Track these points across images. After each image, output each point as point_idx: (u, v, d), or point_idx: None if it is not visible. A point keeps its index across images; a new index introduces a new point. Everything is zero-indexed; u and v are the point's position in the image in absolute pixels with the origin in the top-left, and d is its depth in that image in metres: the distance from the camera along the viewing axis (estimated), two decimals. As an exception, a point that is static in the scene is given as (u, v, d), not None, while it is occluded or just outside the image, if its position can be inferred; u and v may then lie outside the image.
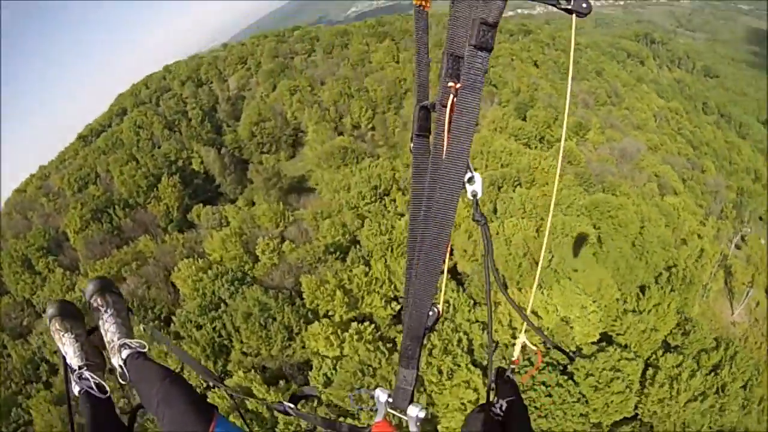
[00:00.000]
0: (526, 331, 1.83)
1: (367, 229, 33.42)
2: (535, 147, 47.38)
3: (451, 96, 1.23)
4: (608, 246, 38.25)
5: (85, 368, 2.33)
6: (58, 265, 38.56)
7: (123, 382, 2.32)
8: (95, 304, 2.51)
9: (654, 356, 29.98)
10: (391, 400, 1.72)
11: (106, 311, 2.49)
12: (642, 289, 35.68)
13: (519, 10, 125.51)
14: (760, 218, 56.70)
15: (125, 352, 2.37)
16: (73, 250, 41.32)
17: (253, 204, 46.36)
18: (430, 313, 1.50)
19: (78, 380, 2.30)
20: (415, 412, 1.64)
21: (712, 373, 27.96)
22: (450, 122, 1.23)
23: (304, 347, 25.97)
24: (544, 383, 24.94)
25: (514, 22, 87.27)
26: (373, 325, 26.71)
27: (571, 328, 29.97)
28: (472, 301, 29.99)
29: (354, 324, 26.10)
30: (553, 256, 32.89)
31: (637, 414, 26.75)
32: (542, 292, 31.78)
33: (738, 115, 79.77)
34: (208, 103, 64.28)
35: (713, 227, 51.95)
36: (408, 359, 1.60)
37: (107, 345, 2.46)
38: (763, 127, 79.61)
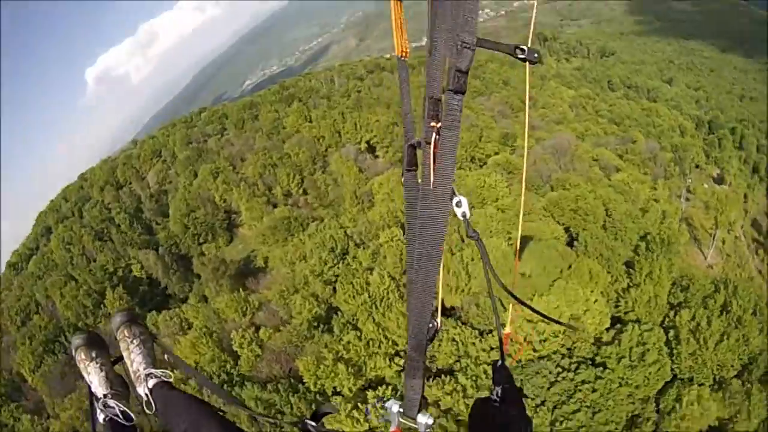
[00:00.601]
0: (511, 322, 2.31)
1: (342, 292, 35.40)
2: (468, 168, 54.41)
3: (434, 134, 1.57)
4: (583, 236, 44.23)
5: (110, 396, 2.65)
6: (23, 412, 38.09)
7: (149, 412, 2.60)
8: (121, 336, 2.87)
9: (667, 319, 34.49)
10: (402, 410, 2.08)
11: (132, 342, 2.84)
12: (628, 264, 41.29)
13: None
14: (697, 166, 67.65)
15: (151, 382, 2.69)
16: (33, 390, 41.14)
17: (206, 299, 47.25)
18: (430, 325, 1.90)
19: (103, 408, 2.60)
20: (423, 419, 2.00)
21: (724, 313, 32.77)
22: (435, 157, 1.58)
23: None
24: (584, 381, 27.86)
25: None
26: (389, 387, 28.05)
27: (583, 323, 33.69)
28: (477, 332, 32.73)
29: (369, 392, 27.36)
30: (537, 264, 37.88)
31: (675, 375, 30.38)
32: (544, 300, 35.91)
33: (643, 82, 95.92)
34: (131, 204, 66.97)
35: (664, 188, 61.43)
36: (414, 370, 1.96)
37: (132, 375, 2.78)
38: (669, 85, 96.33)
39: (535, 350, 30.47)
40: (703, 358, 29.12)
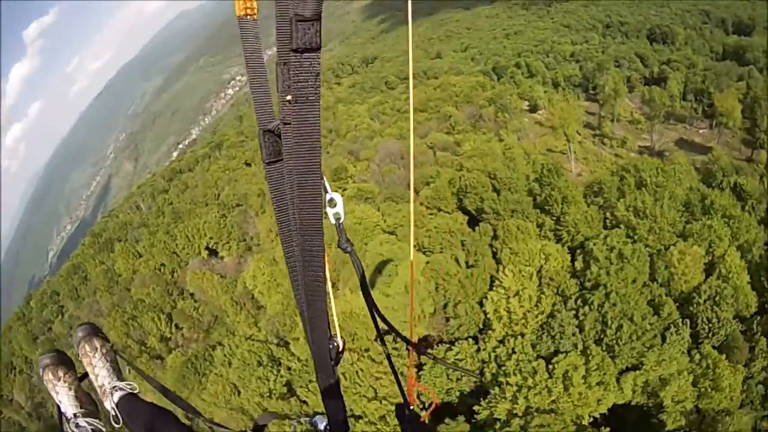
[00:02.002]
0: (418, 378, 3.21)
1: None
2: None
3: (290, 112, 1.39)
4: (488, 205, 48.35)
5: (81, 415, 2.84)
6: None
7: (116, 426, 2.83)
8: (83, 351, 3.04)
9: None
10: (329, 428, 2.15)
11: (94, 356, 3.01)
12: (539, 207, 46.80)
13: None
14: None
15: (117, 395, 2.90)
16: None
17: None
18: (330, 346, 1.90)
19: (75, 428, 2.81)
20: None
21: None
22: (296, 141, 1.40)
23: None
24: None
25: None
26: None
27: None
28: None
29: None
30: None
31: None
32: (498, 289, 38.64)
33: (416, 67, 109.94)
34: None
35: (513, 132, 71.03)
36: (329, 390, 2.01)
37: (98, 389, 2.98)
38: (440, 58, 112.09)
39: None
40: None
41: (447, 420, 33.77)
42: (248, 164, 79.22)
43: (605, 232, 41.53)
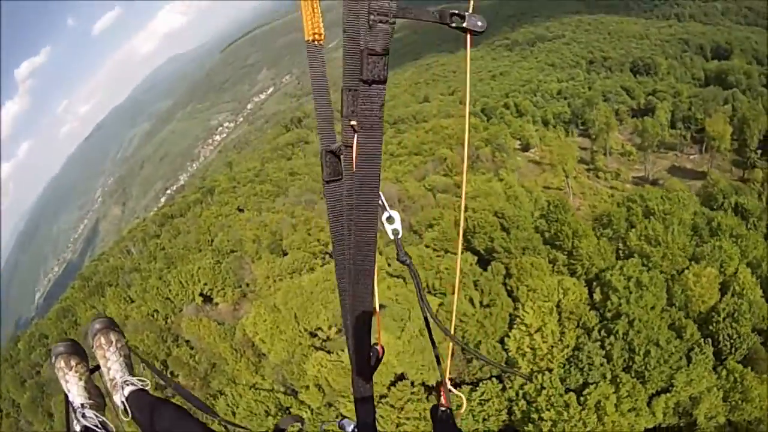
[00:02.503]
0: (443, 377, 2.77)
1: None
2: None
3: (355, 136, 1.60)
4: (498, 243, 51.34)
5: (88, 406, 3.06)
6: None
7: (125, 419, 3.06)
8: (98, 344, 3.27)
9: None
10: (357, 430, 2.40)
11: (108, 349, 3.24)
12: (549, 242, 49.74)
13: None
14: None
15: (128, 389, 3.10)
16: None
17: None
18: (371, 353, 2.16)
19: (81, 418, 3.01)
20: None
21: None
22: (357, 163, 1.60)
23: None
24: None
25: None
26: None
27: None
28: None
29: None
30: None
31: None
32: (520, 327, 41.09)
33: (402, 113, 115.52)
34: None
35: (511, 171, 74.90)
36: (362, 394, 2.25)
37: (109, 383, 3.18)
38: (428, 102, 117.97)
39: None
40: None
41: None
42: (241, 210, 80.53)
43: (620, 262, 44.38)
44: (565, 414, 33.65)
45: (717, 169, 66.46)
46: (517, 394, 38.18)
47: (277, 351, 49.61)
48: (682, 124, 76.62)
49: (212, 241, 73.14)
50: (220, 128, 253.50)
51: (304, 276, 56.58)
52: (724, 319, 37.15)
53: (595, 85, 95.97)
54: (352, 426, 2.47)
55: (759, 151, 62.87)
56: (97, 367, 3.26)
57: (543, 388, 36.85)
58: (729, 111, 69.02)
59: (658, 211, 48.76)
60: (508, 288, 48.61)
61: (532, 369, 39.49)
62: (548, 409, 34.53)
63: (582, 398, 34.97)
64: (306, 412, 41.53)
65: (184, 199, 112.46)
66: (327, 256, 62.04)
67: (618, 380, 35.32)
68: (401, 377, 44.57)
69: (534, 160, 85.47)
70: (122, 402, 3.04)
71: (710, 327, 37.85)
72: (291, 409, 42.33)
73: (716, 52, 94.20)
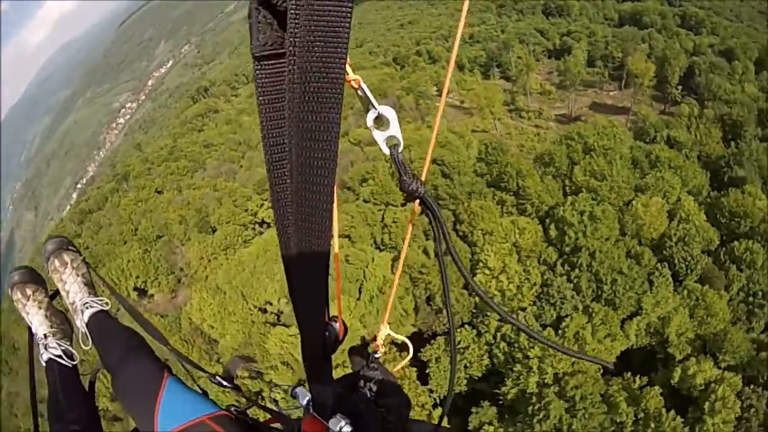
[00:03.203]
0: (389, 323, 2.24)
1: None
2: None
3: None
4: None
5: (51, 336, 3.11)
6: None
7: (85, 347, 3.07)
8: (53, 267, 3.28)
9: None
10: (311, 405, 1.94)
11: (65, 271, 3.24)
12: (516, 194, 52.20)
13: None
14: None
15: (87, 313, 3.12)
16: None
17: None
18: (326, 333, 1.67)
19: (45, 349, 3.07)
20: (337, 425, 1.79)
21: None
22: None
23: None
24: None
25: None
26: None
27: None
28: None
29: None
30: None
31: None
32: (483, 271, 43.28)
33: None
34: None
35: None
36: (316, 376, 1.81)
37: (69, 306, 3.22)
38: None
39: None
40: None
41: (474, 409, 37.43)
42: (160, 192, 77.37)
43: (571, 198, 48.18)
44: (550, 349, 36.35)
45: (639, 104, 73.23)
46: (495, 338, 40.58)
47: (232, 334, 48.48)
48: (602, 62, 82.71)
49: (136, 230, 69.71)
50: (123, 110, 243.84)
51: (241, 251, 55.15)
52: (676, 243, 42.07)
53: (508, 29, 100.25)
54: (306, 399, 2.08)
55: (680, 87, 69.94)
56: (57, 292, 3.26)
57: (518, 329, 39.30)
58: (646, 49, 75.71)
59: (598, 146, 52.97)
60: (461, 233, 50.61)
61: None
62: (531, 347, 37.09)
63: (560, 331, 38.09)
64: (279, 394, 40.97)
65: (98, 190, 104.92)
66: (258, 225, 61.11)
67: (590, 310, 38.93)
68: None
69: (454, 105, 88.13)
70: (82, 326, 3.06)
71: (664, 252, 42.68)
72: (262, 394, 41.66)
73: None
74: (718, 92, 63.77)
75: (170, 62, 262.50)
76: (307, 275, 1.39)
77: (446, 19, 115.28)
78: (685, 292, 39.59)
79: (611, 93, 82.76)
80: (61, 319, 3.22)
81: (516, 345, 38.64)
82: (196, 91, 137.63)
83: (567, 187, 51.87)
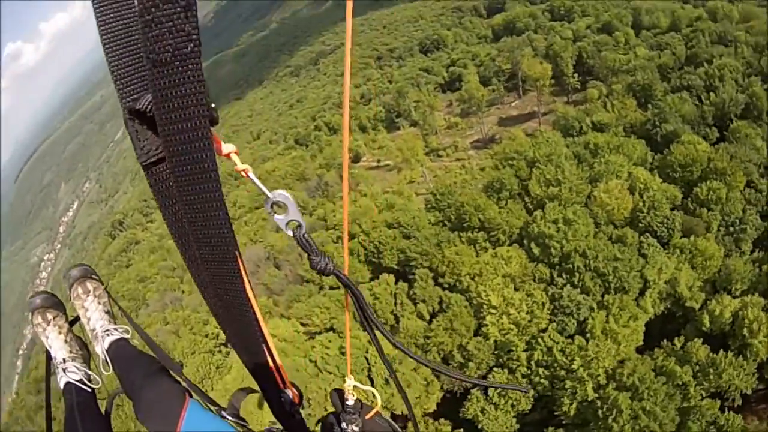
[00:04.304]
0: (352, 372, 2.62)
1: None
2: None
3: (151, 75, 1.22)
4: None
5: (71, 360, 3.51)
6: None
7: (105, 372, 3.46)
8: (75, 294, 3.77)
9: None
10: None
11: (87, 299, 3.73)
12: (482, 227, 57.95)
13: None
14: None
15: (108, 340, 3.55)
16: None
17: None
18: (282, 398, 2.15)
19: (63, 373, 3.45)
20: None
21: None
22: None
23: None
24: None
25: None
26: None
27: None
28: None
29: None
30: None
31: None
32: (490, 311, 48.72)
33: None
34: None
35: (366, 185, 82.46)
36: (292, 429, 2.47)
37: (89, 333, 3.66)
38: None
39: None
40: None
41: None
42: None
43: (536, 213, 54.66)
44: (588, 352, 41.63)
45: (543, 104, 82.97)
46: (529, 368, 45.11)
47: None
48: (495, 79, 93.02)
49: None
50: (43, 263, 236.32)
51: (224, 379, 56.36)
52: (648, 212, 49.34)
53: (395, 77, 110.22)
54: None
55: (575, 75, 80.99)
56: (77, 318, 3.73)
57: (550, 348, 44.36)
58: (531, 52, 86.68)
59: (540, 156, 60.21)
60: (447, 285, 55.35)
61: (527, 339, 46.75)
62: (572, 360, 42.06)
63: (588, 335, 43.48)
64: None
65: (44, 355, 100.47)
66: (223, 347, 61.99)
67: (605, 303, 44.71)
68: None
69: (372, 166, 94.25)
70: (103, 353, 3.49)
71: (640, 224, 50.28)
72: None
73: (490, 9, 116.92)
74: (614, 66, 74.58)
75: (75, 203, 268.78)
76: (245, 353, 1.99)
77: (332, 87, 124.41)
78: (677, 250, 47.14)
79: (513, 104, 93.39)
80: (79, 344, 3.63)
81: (555, 365, 43.65)
82: (111, 226, 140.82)
83: (528, 204, 58.30)
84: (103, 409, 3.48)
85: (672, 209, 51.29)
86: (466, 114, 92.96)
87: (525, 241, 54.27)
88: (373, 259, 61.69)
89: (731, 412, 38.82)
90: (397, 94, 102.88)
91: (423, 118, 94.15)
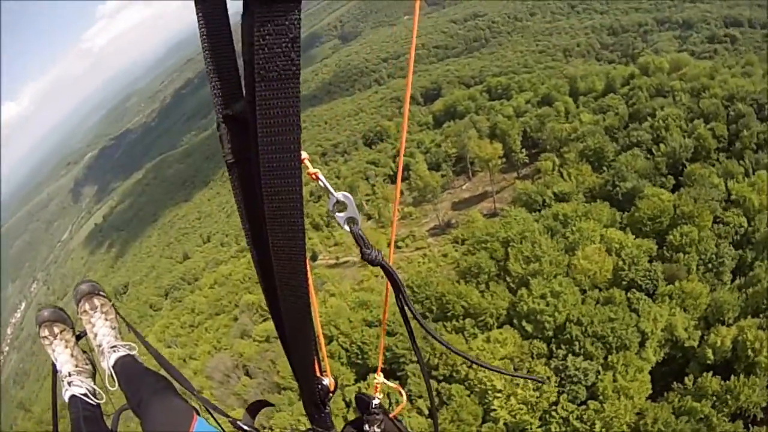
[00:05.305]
0: (381, 370, 3.23)
1: None
2: None
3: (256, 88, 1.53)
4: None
5: (76, 374, 3.91)
6: None
7: (111, 388, 3.85)
8: (83, 309, 4.19)
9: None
10: None
11: (94, 314, 4.16)
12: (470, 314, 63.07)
13: None
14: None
15: (114, 356, 3.96)
16: None
17: None
18: (318, 387, 2.48)
19: (69, 386, 3.85)
20: None
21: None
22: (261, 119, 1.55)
23: None
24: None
25: None
26: None
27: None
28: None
29: None
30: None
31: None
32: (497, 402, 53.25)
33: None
34: None
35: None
36: (318, 423, 2.79)
37: (96, 348, 4.06)
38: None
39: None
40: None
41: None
42: None
43: (523, 290, 60.37)
44: (606, 413, 46.78)
45: (495, 183, 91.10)
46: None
47: None
48: (444, 164, 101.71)
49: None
50: None
51: None
52: (629, 269, 56.29)
53: (343, 172, 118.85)
54: None
55: (524, 150, 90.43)
56: (84, 333, 4.22)
57: (565, 418, 49.30)
58: (476, 134, 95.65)
59: (513, 235, 66.40)
60: (441, 378, 58.99)
61: (539, 416, 51.18)
62: (592, 425, 47.99)
63: (600, 397, 48.48)
64: None
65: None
66: None
67: (610, 364, 50.26)
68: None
69: (330, 264, 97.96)
70: (109, 368, 3.94)
71: (624, 282, 57.48)
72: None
73: (428, 96, 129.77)
74: (562, 135, 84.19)
75: (23, 305, 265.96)
76: (293, 339, 2.24)
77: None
78: (666, 298, 54.53)
79: (464, 187, 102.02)
80: (85, 359, 4.07)
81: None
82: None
83: (511, 284, 63.83)
84: (109, 424, 3.94)
85: (650, 261, 58.88)
86: (419, 202, 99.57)
87: (515, 321, 59.26)
88: (357, 361, 64.43)
89: (755, 426, 45.37)
90: (348, 189, 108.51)
91: (378, 210, 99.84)
